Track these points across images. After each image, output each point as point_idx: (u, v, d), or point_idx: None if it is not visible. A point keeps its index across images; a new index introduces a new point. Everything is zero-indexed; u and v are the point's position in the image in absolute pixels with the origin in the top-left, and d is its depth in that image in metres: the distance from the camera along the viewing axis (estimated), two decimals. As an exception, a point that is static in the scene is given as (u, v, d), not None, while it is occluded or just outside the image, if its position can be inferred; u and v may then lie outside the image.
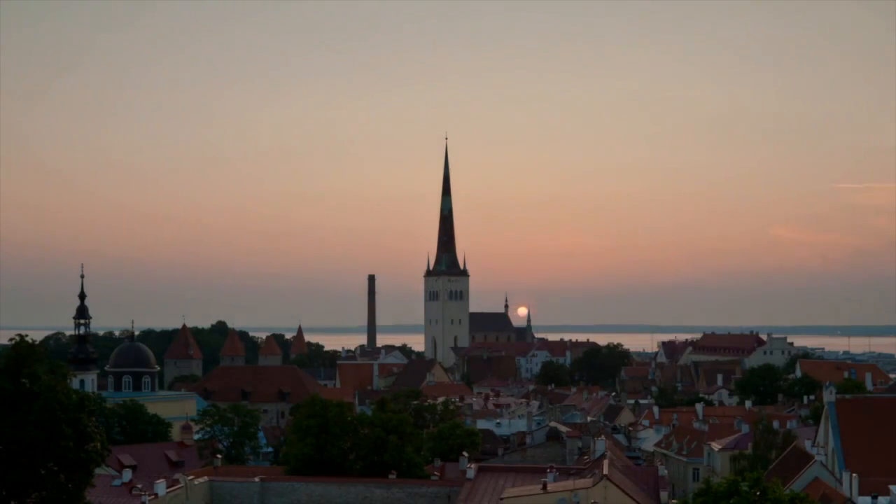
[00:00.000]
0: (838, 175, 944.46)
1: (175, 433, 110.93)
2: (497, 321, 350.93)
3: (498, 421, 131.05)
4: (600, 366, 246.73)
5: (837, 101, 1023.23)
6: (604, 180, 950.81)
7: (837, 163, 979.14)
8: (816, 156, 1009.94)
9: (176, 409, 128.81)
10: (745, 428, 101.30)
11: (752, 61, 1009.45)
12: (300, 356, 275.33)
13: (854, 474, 61.79)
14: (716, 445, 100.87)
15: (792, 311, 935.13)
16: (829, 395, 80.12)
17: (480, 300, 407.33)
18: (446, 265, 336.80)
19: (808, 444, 77.22)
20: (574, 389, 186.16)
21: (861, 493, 59.57)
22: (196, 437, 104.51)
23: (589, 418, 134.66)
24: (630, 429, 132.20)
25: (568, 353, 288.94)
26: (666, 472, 69.08)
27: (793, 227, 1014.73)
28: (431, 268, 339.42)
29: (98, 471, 56.96)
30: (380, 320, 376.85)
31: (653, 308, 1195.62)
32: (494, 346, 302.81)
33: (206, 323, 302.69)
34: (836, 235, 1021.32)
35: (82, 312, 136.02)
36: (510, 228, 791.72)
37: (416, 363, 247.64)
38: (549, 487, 58.52)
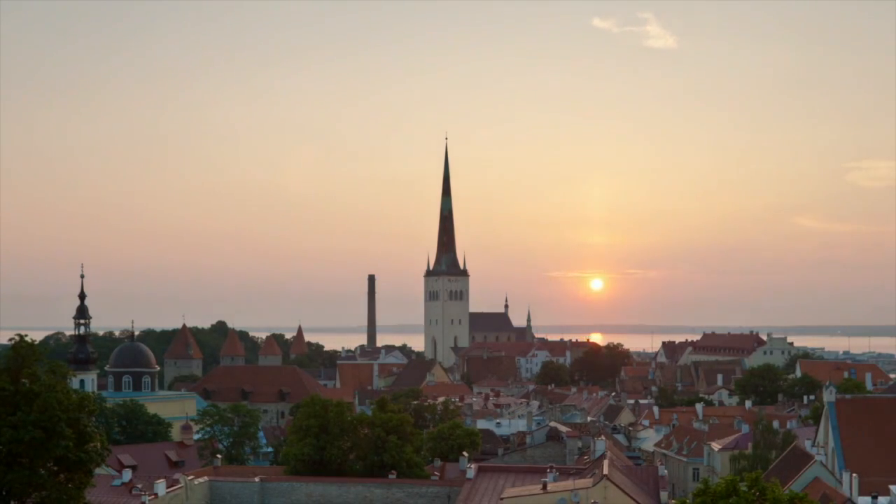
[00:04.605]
0: (847, 156, 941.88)
1: (175, 433, 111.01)
2: (497, 321, 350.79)
3: (498, 421, 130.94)
4: (600, 366, 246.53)
5: (839, 81, 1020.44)
6: (604, 179, 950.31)
7: (846, 143, 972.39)
8: (825, 137, 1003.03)
9: (176, 409, 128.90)
10: (745, 428, 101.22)
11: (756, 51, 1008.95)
12: (300, 356, 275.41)
13: (854, 474, 61.76)
14: (716, 445, 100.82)
15: (792, 311, 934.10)
16: (829, 395, 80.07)
17: (480, 300, 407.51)
18: (446, 265, 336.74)
19: (808, 444, 77.18)
20: (574, 389, 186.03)
21: (861, 493, 59.53)
22: (196, 437, 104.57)
23: (589, 418, 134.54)
24: (630, 429, 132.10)
25: (568, 353, 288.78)
26: (666, 472, 68.99)
27: (808, 215, 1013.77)
28: (431, 268, 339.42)
29: (98, 471, 56.92)
30: (380, 320, 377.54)
31: (654, 307, 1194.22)
32: (494, 346, 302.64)
33: (206, 323, 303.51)
34: (846, 222, 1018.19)
35: (82, 312, 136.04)
36: (510, 229, 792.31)
37: (416, 363, 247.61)
38: (549, 487, 58.46)
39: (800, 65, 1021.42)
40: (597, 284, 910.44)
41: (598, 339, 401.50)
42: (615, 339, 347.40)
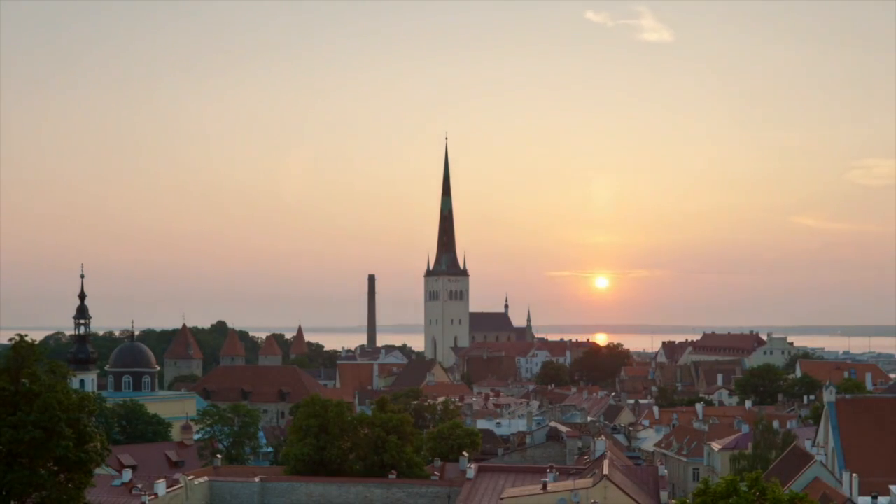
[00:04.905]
0: (849, 154, 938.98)
1: (175, 433, 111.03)
2: (497, 321, 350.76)
3: (498, 421, 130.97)
4: (600, 366, 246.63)
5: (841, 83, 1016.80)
6: (603, 178, 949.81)
7: (847, 141, 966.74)
8: (826, 135, 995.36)
9: (176, 409, 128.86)
10: (745, 428, 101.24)
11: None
12: (300, 356, 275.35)
13: (854, 474, 61.80)
14: (716, 445, 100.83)
15: (792, 312, 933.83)
16: (829, 395, 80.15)
17: (480, 300, 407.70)
18: (446, 265, 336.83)
19: (808, 444, 77.26)
20: (574, 389, 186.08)
21: (861, 493, 59.58)
22: (196, 437, 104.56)
23: (589, 418, 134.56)
24: (630, 429, 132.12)
25: (568, 353, 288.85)
26: (666, 472, 69.05)
27: (809, 214, 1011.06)
28: (431, 268, 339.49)
29: (98, 471, 56.97)
30: (380, 320, 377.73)
31: (654, 307, 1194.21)
32: (494, 346, 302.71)
33: (206, 323, 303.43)
34: (847, 222, 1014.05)
35: (82, 312, 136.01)
36: (510, 229, 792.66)
37: (416, 363, 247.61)
38: (549, 487, 58.51)
39: (800, 61, 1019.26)
40: (597, 284, 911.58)
41: (603, 339, 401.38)
42: (616, 339, 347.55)
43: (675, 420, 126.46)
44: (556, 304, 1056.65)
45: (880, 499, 56.76)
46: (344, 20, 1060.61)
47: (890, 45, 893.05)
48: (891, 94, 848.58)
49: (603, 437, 77.36)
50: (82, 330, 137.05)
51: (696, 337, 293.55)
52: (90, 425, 53.04)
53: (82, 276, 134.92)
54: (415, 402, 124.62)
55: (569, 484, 59.38)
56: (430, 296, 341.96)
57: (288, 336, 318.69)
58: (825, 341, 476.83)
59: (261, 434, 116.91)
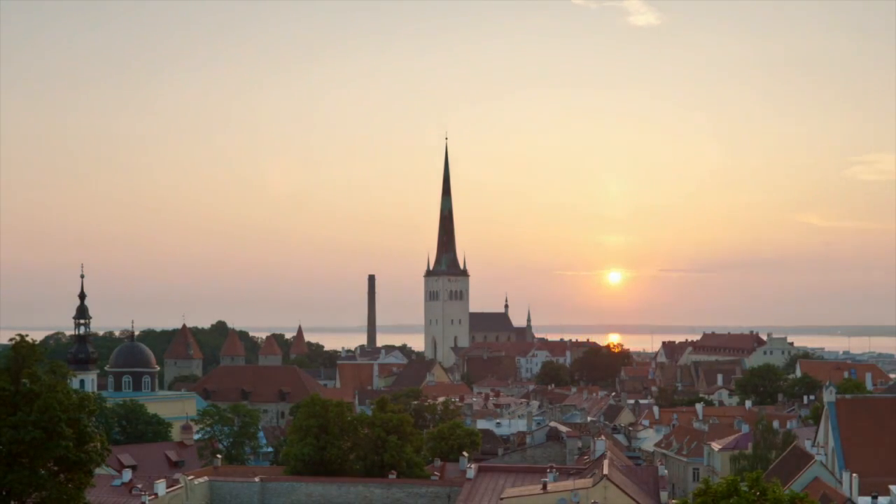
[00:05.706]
0: (851, 150, 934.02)
1: (175, 433, 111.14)
2: (497, 321, 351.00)
3: (498, 421, 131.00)
4: (600, 366, 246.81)
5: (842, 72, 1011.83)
6: (604, 179, 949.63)
7: (850, 137, 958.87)
8: (827, 130, 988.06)
9: (176, 409, 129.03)
10: (745, 428, 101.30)
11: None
12: (300, 356, 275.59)
13: (854, 474, 61.84)
14: (716, 445, 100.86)
15: (792, 312, 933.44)
16: (829, 395, 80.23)
17: (480, 300, 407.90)
18: (446, 265, 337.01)
19: (808, 444, 77.27)
20: (574, 389, 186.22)
21: (861, 493, 59.62)
22: (196, 437, 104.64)
23: (589, 418, 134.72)
24: (630, 429, 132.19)
25: (568, 353, 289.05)
26: (666, 472, 69.05)
27: (812, 212, 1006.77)
28: (431, 268, 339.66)
29: (98, 471, 56.96)
30: (380, 320, 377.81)
31: (654, 307, 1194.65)
32: (494, 346, 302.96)
33: (206, 323, 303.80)
34: (849, 219, 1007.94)
35: (82, 312, 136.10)
36: (510, 228, 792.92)
37: (416, 363, 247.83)
38: (549, 487, 58.53)
39: (799, 53, 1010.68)
40: (597, 284, 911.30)
41: (616, 339, 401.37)
42: (625, 339, 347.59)
43: (675, 420, 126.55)
44: (557, 304, 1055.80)
45: (880, 499, 56.78)
46: (343, 18, 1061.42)
47: (891, 39, 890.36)
48: (892, 87, 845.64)
49: (603, 437, 77.40)
50: (82, 330, 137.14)
51: (696, 337, 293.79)
52: (90, 425, 53.04)
53: (82, 276, 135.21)
54: (415, 402, 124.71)
55: (569, 484, 59.40)
56: (430, 296, 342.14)
57: (288, 336, 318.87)
58: (825, 341, 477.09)
59: (261, 434, 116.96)
